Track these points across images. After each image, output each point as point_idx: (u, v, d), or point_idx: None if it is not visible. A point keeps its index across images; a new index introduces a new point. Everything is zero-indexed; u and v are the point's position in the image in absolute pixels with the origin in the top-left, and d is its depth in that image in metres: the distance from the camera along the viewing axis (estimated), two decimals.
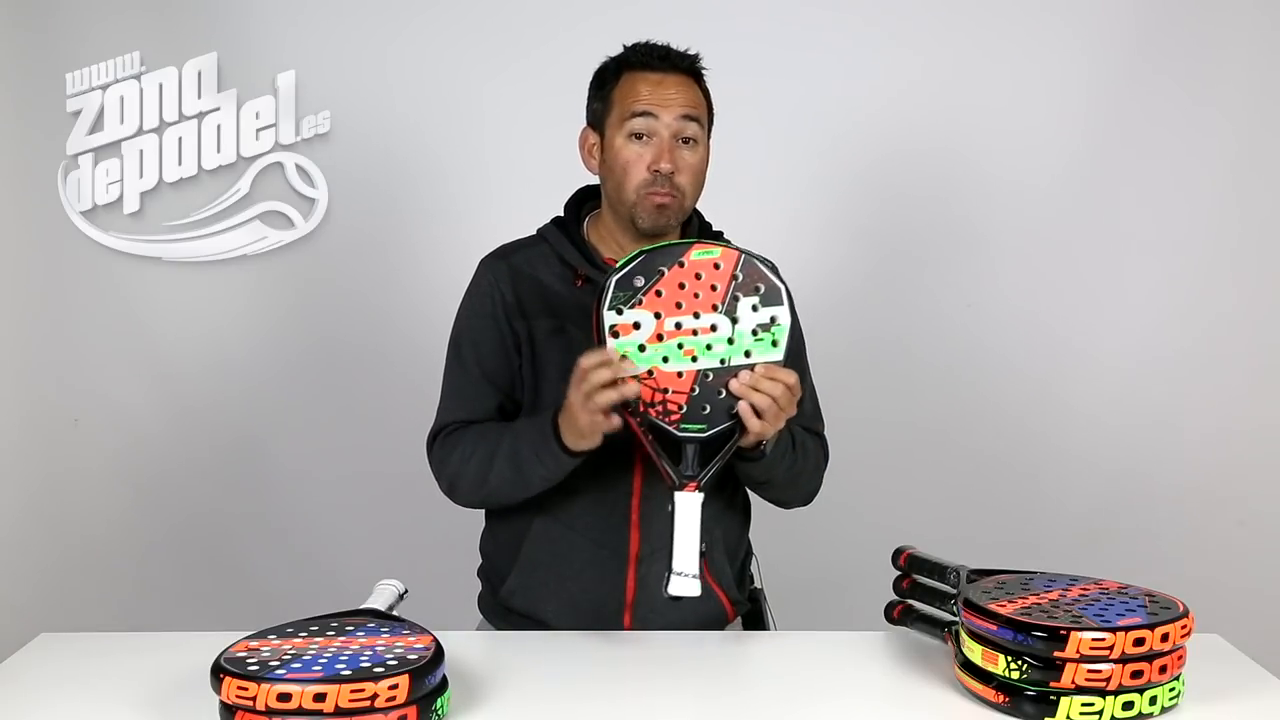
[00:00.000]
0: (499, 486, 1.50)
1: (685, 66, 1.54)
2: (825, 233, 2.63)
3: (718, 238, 1.63)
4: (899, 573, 1.49)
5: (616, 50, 1.57)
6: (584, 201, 1.64)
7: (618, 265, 1.36)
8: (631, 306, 1.34)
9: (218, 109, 2.55)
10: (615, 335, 1.34)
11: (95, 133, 2.55)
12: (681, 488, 1.34)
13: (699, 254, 1.36)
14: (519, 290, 1.56)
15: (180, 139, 2.56)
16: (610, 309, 1.34)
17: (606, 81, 1.56)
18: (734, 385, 1.35)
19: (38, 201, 2.57)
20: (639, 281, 1.34)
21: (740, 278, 1.35)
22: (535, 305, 1.55)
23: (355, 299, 2.63)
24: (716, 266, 1.35)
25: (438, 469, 1.57)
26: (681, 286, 1.35)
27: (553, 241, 1.58)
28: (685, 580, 1.32)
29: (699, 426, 1.36)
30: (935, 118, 2.60)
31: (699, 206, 1.64)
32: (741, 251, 1.37)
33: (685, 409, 1.35)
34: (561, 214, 1.63)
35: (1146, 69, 2.56)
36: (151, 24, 2.53)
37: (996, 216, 2.63)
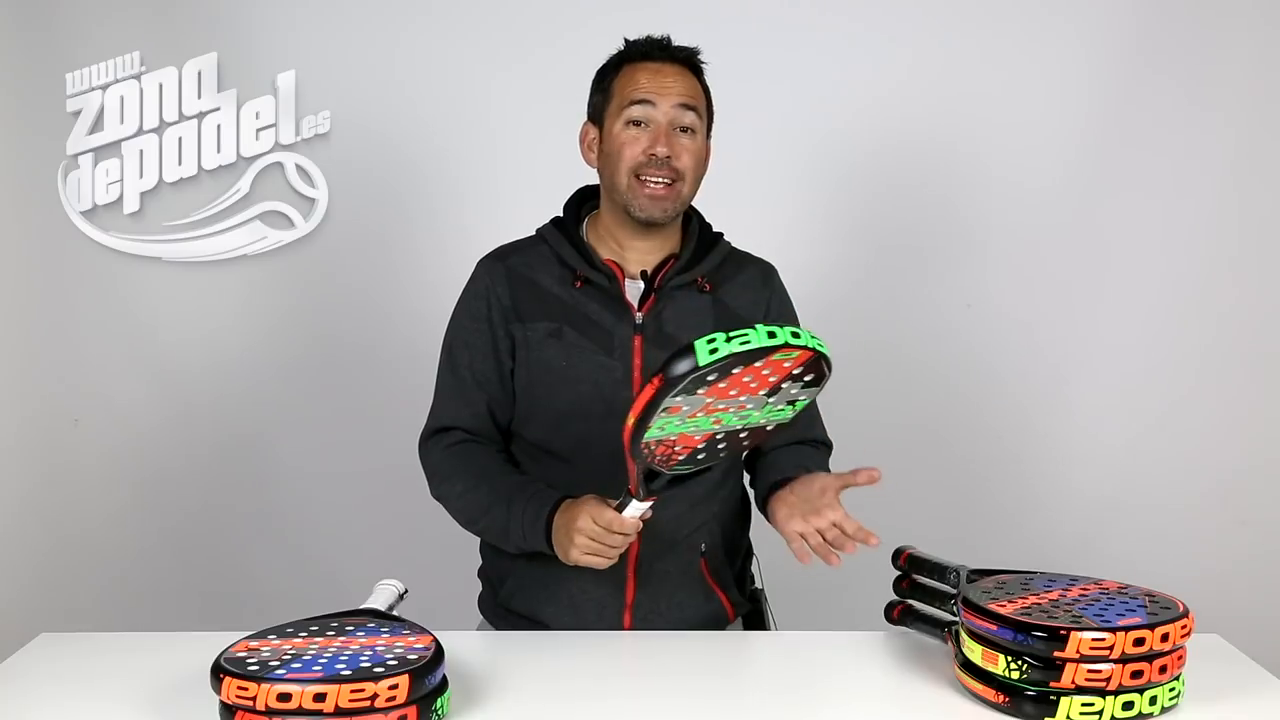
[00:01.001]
0: (483, 534, 1.58)
1: (683, 57, 1.54)
2: (824, 233, 2.63)
3: (717, 239, 1.63)
4: (899, 573, 1.49)
5: (619, 49, 1.58)
6: (583, 202, 1.64)
7: (700, 364, 1.19)
8: (696, 393, 1.23)
9: (218, 109, 2.55)
10: (665, 413, 1.24)
11: (95, 133, 2.55)
12: (641, 499, 1.35)
13: (780, 356, 1.22)
14: (515, 292, 1.56)
15: (180, 139, 2.56)
16: (676, 395, 1.22)
17: (607, 75, 1.57)
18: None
19: (38, 201, 2.57)
20: (713, 377, 1.21)
21: (800, 370, 1.26)
22: (531, 307, 1.55)
23: (355, 299, 2.63)
24: (787, 362, 1.24)
25: (429, 477, 1.59)
26: (748, 379, 1.25)
27: (551, 242, 1.58)
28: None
29: (686, 467, 1.35)
30: (935, 118, 2.60)
31: (699, 207, 1.64)
32: (815, 352, 1.23)
33: (685, 458, 1.34)
34: (561, 214, 1.63)
35: (1146, 69, 2.56)
36: (151, 24, 2.53)
37: (996, 217, 2.63)
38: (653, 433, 1.25)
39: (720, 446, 1.33)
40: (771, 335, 1.20)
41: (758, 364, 1.22)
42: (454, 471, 1.55)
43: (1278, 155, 2.60)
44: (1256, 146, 2.59)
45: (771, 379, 1.25)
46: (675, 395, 1.22)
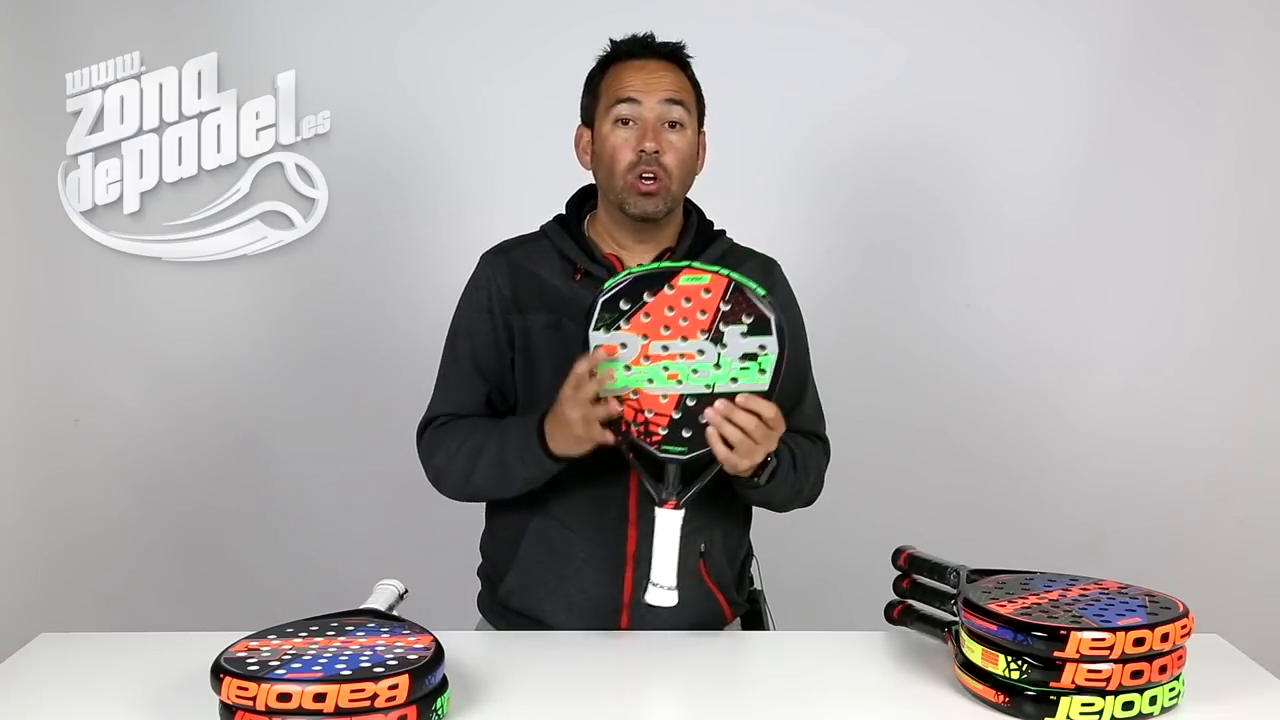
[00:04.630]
0: (482, 484, 1.53)
1: (667, 53, 1.55)
2: (823, 232, 2.63)
3: (718, 235, 1.63)
4: (899, 573, 1.49)
5: (604, 51, 1.58)
6: (585, 201, 1.65)
7: (605, 286, 1.36)
8: (617, 328, 1.35)
9: (218, 109, 2.55)
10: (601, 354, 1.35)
11: (95, 133, 2.55)
12: (662, 505, 1.36)
13: (688, 279, 1.35)
14: (516, 284, 1.57)
15: (180, 139, 2.56)
16: (596, 329, 1.35)
17: (595, 76, 1.58)
18: (707, 414, 1.35)
19: (38, 201, 2.57)
20: (625, 305, 1.35)
21: (729, 306, 1.34)
22: (532, 299, 1.56)
23: (355, 299, 2.63)
24: (705, 292, 1.34)
25: (425, 460, 1.59)
26: (669, 310, 1.35)
27: (553, 237, 1.59)
28: (662, 592, 1.36)
29: (680, 449, 1.37)
30: (934, 115, 2.60)
31: (699, 204, 1.64)
32: (731, 278, 1.35)
33: (667, 431, 1.36)
34: (563, 212, 1.64)
35: (1147, 68, 2.56)
36: (151, 24, 2.53)
37: (996, 216, 2.63)
38: (607, 388, 1.33)
39: (702, 421, 1.35)
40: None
41: (669, 291, 1.34)
42: (446, 436, 1.56)
43: (1278, 154, 2.60)
44: (1257, 146, 2.59)
45: (701, 316, 1.33)
46: (598, 324, 1.35)
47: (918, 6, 2.57)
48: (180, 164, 2.56)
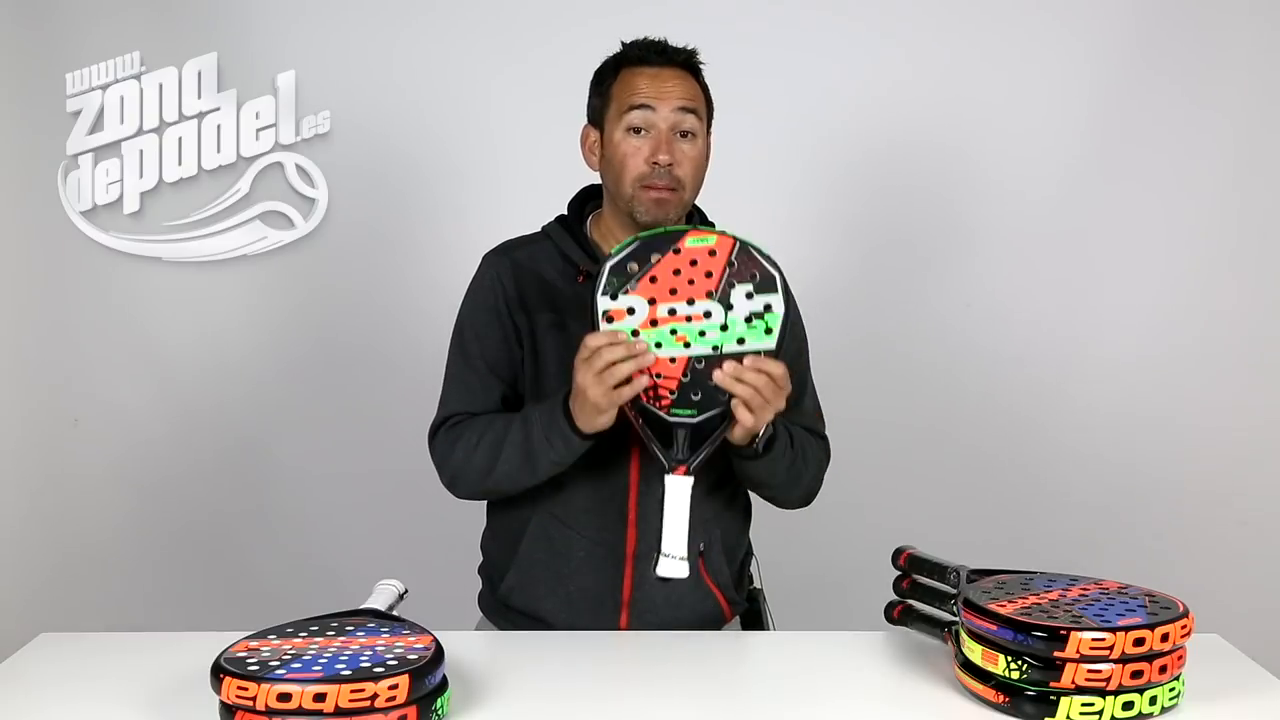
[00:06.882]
0: (506, 474, 1.50)
1: (681, 60, 1.54)
2: (824, 232, 2.63)
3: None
4: (899, 573, 1.49)
5: (616, 50, 1.57)
6: (587, 200, 1.65)
7: (613, 251, 1.37)
8: (626, 292, 1.35)
9: (218, 109, 2.55)
10: (609, 320, 1.36)
11: (95, 133, 2.55)
12: (671, 471, 1.36)
13: (694, 241, 1.36)
14: (520, 284, 1.57)
15: (180, 139, 2.56)
16: (604, 294, 1.36)
17: (605, 78, 1.57)
18: (717, 376, 1.35)
19: (38, 201, 2.57)
20: (633, 267, 1.35)
21: (735, 265, 1.36)
22: (536, 299, 1.56)
23: (355, 299, 2.63)
24: (711, 254, 1.36)
25: (440, 461, 1.57)
26: (676, 273, 1.36)
27: (555, 237, 1.59)
28: (673, 562, 1.34)
29: (689, 412, 1.37)
30: (935, 117, 2.60)
31: (701, 204, 1.65)
32: (737, 239, 1.37)
33: (676, 394, 1.36)
34: (565, 212, 1.63)
35: (1146, 69, 2.56)
36: (151, 24, 2.53)
37: (996, 217, 2.63)
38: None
39: (710, 383, 1.35)
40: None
41: (676, 254, 1.35)
42: (463, 432, 1.53)
43: (1278, 154, 2.60)
44: (1256, 146, 2.59)
45: (708, 278, 1.35)
46: (605, 289, 1.35)
47: (919, 10, 2.57)
48: (180, 164, 2.56)
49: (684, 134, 1.51)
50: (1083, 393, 2.66)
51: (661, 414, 1.37)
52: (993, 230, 2.63)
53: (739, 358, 1.35)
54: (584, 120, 1.61)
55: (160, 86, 2.54)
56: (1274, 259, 2.63)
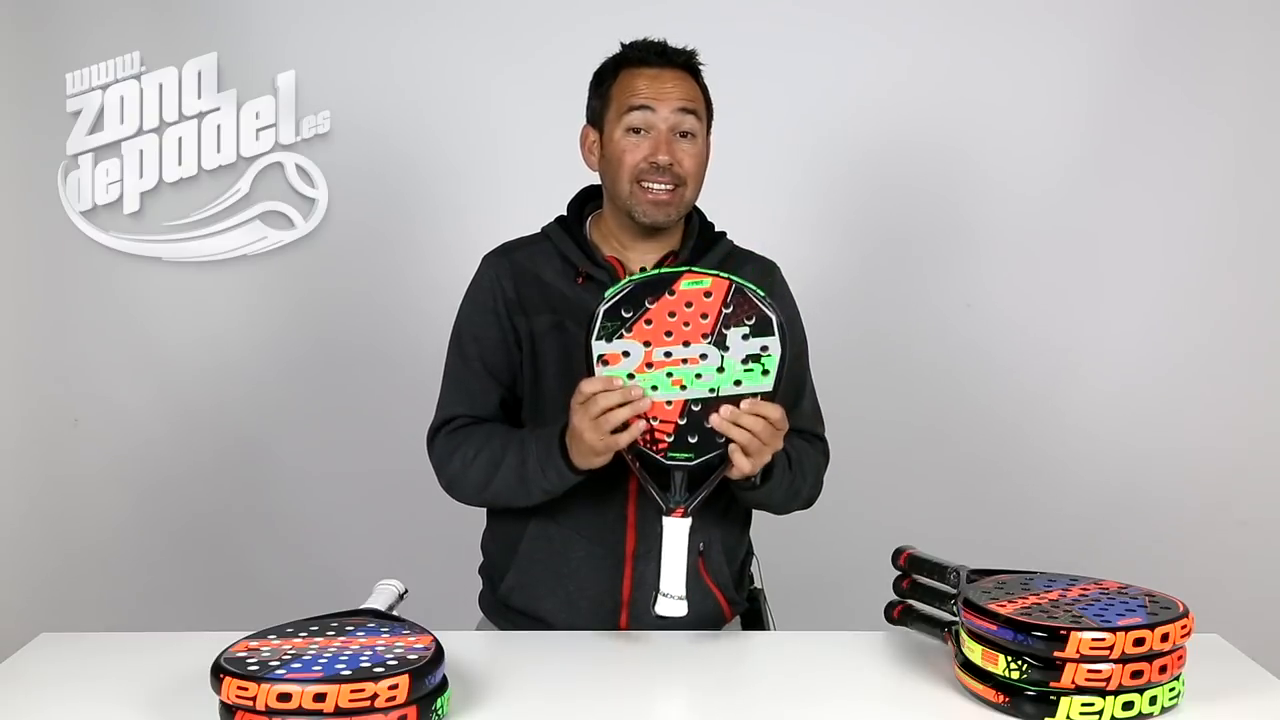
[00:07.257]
0: (499, 493, 1.51)
1: (681, 61, 1.54)
2: (823, 232, 2.63)
3: (719, 237, 1.63)
4: (899, 573, 1.49)
5: (616, 51, 1.57)
6: (587, 201, 1.64)
7: (606, 295, 1.35)
8: (620, 336, 1.34)
9: (218, 109, 2.55)
10: (604, 364, 1.34)
11: (95, 133, 2.55)
12: (669, 513, 1.36)
13: (689, 284, 1.34)
14: (520, 286, 1.57)
15: (180, 139, 2.56)
16: (599, 338, 1.34)
17: (605, 78, 1.57)
18: (714, 420, 1.34)
19: (38, 201, 2.57)
20: (627, 312, 1.34)
21: (731, 307, 1.34)
22: (535, 301, 1.56)
23: (355, 299, 2.63)
24: (707, 295, 1.34)
25: (438, 465, 1.57)
26: (671, 316, 1.34)
27: (555, 239, 1.59)
28: (672, 601, 1.35)
29: (686, 455, 1.36)
30: (935, 118, 2.60)
31: (701, 204, 1.64)
32: (733, 281, 1.35)
33: (672, 438, 1.35)
34: (564, 213, 1.63)
35: (1146, 69, 2.56)
36: (151, 24, 2.53)
37: (996, 217, 2.63)
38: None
39: (707, 425, 1.34)
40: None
41: (671, 297, 1.33)
42: (463, 441, 1.54)
43: (1277, 154, 2.60)
44: (1256, 146, 2.60)
45: (703, 320, 1.33)
46: (600, 333, 1.33)
47: (919, 10, 2.57)
48: (180, 164, 2.56)
49: (683, 134, 1.51)
50: (1084, 392, 2.66)
51: (658, 458, 1.36)
52: (993, 230, 2.63)
53: (736, 400, 1.34)
54: (583, 121, 1.61)
55: (160, 86, 2.54)
56: (1274, 259, 2.63)
